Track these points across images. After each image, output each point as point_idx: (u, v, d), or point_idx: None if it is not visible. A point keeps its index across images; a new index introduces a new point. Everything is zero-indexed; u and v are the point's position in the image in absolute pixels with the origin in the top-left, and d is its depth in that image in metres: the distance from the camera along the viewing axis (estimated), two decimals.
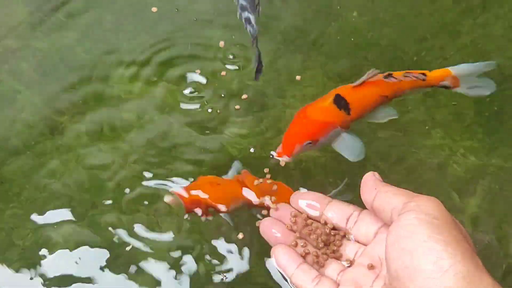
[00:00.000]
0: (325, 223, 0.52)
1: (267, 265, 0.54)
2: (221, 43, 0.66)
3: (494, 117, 0.63)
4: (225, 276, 0.55)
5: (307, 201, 0.53)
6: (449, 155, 0.61)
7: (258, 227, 0.52)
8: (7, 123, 0.63)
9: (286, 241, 0.51)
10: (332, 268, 0.50)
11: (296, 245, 0.51)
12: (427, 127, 0.63)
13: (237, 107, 0.63)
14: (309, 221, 0.52)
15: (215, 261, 0.56)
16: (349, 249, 0.51)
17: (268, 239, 0.52)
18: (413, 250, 0.41)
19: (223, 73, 0.65)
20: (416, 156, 0.61)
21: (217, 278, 0.55)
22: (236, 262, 0.56)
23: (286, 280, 0.51)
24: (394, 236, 0.43)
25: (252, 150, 0.61)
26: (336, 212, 0.52)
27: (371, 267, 0.48)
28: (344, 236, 0.52)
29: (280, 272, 0.51)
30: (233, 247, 0.56)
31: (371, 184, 0.48)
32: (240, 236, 0.56)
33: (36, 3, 0.69)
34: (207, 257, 0.56)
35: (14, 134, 0.62)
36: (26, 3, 0.70)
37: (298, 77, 0.65)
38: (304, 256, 0.50)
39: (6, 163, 0.61)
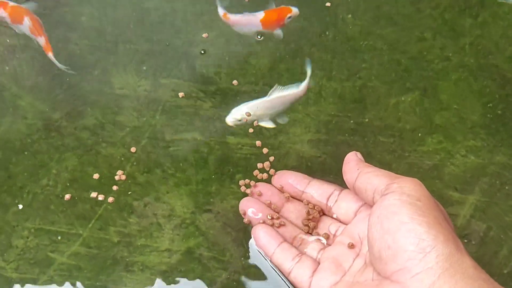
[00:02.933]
0: (307, 202, 0.52)
1: (248, 246, 0.55)
2: None
3: (496, 119, 0.63)
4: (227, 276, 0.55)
5: (288, 180, 0.54)
6: (448, 158, 0.61)
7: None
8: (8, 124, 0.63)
9: (265, 219, 0.52)
10: (312, 247, 0.50)
11: (272, 221, 0.51)
12: (426, 130, 0.63)
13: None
14: (290, 199, 0.54)
15: (214, 261, 0.56)
16: (330, 228, 0.51)
17: (248, 218, 0.53)
18: (395, 231, 0.41)
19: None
20: (412, 159, 0.61)
21: (216, 278, 0.55)
22: (236, 261, 0.56)
23: (267, 260, 0.51)
24: (377, 217, 0.43)
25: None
26: (316, 190, 0.52)
27: (351, 246, 0.48)
28: (322, 213, 0.52)
29: (260, 253, 0.51)
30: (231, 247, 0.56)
31: (353, 164, 0.48)
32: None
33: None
34: (206, 257, 0.56)
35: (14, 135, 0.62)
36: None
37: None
38: (283, 235, 0.51)
39: (12, 161, 0.61)
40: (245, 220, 0.53)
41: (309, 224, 0.52)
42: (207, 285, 0.54)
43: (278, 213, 0.53)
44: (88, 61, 0.66)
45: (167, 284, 0.55)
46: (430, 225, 0.40)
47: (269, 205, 0.54)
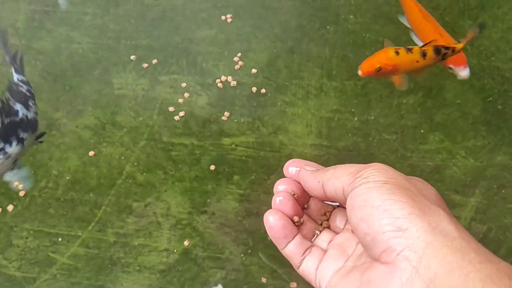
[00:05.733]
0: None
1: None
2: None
3: (497, 115, 0.63)
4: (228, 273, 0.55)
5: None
6: (449, 158, 0.61)
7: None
8: None
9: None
10: (323, 239, 0.50)
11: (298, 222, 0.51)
12: (426, 129, 0.62)
13: None
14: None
15: (213, 261, 0.56)
16: (339, 218, 0.51)
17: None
18: (369, 216, 0.40)
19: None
20: (413, 160, 0.61)
21: (216, 277, 0.55)
22: (236, 261, 0.56)
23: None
24: (350, 210, 0.42)
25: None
26: None
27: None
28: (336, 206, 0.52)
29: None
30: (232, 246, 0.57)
31: (310, 182, 0.48)
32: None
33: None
34: (206, 255, 0.56)
35: None
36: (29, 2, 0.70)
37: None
38: (298, 226, 0.51)
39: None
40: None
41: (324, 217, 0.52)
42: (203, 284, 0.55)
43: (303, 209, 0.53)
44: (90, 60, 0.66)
45: (165, 284, 0.55)
46: (403, 203, 0.39)
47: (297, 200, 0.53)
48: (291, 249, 0.49)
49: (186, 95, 0.65)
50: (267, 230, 0.50)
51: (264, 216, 0.51)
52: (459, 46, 0.58)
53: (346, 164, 0.45)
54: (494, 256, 0.37)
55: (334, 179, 0.45)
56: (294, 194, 0.52)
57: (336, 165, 0.46)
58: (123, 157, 0.61)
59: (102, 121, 0.63)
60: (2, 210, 0.59)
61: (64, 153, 0.61)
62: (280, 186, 0.53)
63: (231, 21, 0.69)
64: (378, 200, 0.40)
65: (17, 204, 0.59)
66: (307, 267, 0.48)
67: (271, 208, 0.54)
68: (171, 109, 0.64)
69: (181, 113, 0.64)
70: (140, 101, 0.64)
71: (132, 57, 0.67)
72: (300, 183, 0.52)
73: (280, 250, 0.50)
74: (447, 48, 0.58)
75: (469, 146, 0.61)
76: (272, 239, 0.50)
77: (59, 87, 0.65)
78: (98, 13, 0.70)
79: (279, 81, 0.65)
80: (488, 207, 0.58)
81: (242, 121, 0.63)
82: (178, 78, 0.66)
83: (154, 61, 0.67)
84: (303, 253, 0.49)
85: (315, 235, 0.51)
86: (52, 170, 0.61)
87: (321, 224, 0.52)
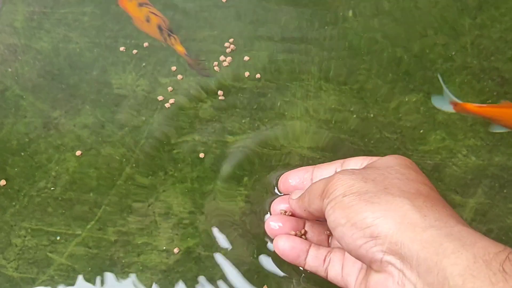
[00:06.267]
0: None
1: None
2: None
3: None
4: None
5: (290, 182, 0.53)
6: (450, 157, 0.61)
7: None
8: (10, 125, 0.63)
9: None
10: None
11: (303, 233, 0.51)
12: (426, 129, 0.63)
13: None
14: None
15: (211, 260, 0.56)
16: None
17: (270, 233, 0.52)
18: (342, 236, 0.40)
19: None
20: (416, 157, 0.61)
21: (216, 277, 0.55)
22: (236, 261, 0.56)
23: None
24: (332, 233, 0.43)
25: None
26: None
27: None
28: None
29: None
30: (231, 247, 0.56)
31: (298, 209, 0.48)
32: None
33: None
34: (205, 256, 0.56)
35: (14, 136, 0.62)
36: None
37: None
38: (306, 238, 0.50)
39: (8, 163, 0.61)
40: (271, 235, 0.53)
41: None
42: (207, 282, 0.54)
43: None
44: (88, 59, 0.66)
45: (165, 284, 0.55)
46: (363, 211, 0.39)
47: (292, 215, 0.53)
48: (311, 264, 0.49)
49: (187, 95, 0.64)
50: (281, 256, 0.50)
51: (273, 245, 0.51)
52: None
53: (315, 182, 0.45)
54: (471, 235, 0.36)
55: (312, 205, 0.45)
56: (286, 212, 0.52)
57: (311, 185, 0.46)
58: (124, 159, 0.61)
59: (101, 119, 0.63)
60: (1, 209, 0.58)
61: (62, 154, 0.61)
62: (275, 207, 0.53)
63: (231, 21, 0.69)
64: (343, 218, 0.40)
65: (16, 204, 0.58)
66: (333, 275, 0.48)
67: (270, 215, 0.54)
68: (171, 107, 0.64)
69: (181, 112, 0.64)
70: (140, 101, 0.64)
71: (122, 48, 0.67)
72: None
73: (302, 267, 0.50)
74: None
75: (470, 144, 0.61)
76: (289, 261, 0.50)
77: (57, 86, 0.65)
78: (97, 12, 0.70)
79: (280, 82, 0.65)
80: (489, 207, 0.58)
81: (243, 121, 0.63)
82: (179, 78, 0.65)
83: (145, 44, 0.67)
84: (324, 262, 0.49)
85: (329, 237, 0.51)
86: (51, 171, 0.60)
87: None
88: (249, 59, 0.66)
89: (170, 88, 0.64)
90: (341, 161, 0.51)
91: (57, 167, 0.60)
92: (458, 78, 0.65)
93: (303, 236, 0.51)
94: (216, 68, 0.66)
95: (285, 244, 0.50)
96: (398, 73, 0.65)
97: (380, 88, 0.64)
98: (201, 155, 0.60)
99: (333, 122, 0.62)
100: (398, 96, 0.64)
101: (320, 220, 0.50)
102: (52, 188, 0.59)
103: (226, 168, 0.60)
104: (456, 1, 0.70)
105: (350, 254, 0.41)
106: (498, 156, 0.60)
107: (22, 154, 0.61)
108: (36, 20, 0.69)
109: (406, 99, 0.64)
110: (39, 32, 0.68)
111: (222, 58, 0.66)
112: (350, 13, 0.69)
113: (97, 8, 0.70)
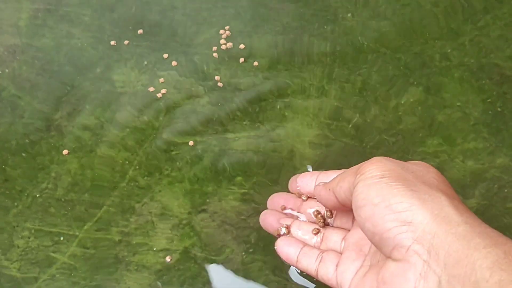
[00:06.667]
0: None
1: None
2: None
3: (497, 117, 0.63)
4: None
5: (297, 184, 0.54)
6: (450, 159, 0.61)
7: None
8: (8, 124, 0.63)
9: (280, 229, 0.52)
10: (334, 240, 0.50)
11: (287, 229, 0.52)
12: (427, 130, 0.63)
13: None
14: (307, 199, 0.54)
15: (212, 260, 0.56)
16: (346, 214, 0.51)
17: (267, 228, 0.53)
18: (371, 215, 0.39)
19: None
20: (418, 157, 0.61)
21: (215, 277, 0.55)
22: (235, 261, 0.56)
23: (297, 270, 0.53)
24: (354, 210, 0.42)
25: None
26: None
27: None
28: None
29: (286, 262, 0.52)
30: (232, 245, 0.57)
31: (323, 193, 0.48)
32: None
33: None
34: (205, 255, 0.56)
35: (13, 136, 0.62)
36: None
37: None
38: (305, 239, 0.51)
39: (8, 164, 0.61)
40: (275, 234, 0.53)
41: (321, 221, 0.52)
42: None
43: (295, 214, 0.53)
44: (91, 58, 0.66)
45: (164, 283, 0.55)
46: (402, 196, 0.39)
47: (283, 208, 0.54)
48: (303, 263, 0.49)
49: (187, 95, 0.64)
50: (280, 256, 0.51)
51: (276, 244, 0.51)
52: None
53: (352, 167, 0.45)
54: (501, 236, 0.37)
55: (341, 182, 0.45)
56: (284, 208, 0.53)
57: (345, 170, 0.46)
58: (126, 161, 0.61)
59: (102, 120, 0.63)
60: (4, 209, 0.59)
61: (63, 155, 0.61)
62: (275, 200, 0.53)
63: (232, 21, 0.69)
64: (377, 197, 0.39)
65: (18, 204, 0.59)
66: (325, 273, 0.48)
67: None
68: (171, 107, 0.64)
69: (181, 111, 0.64)
70: (141, 100, 0.64)
71: (112, 42, 0.67)
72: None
73: (295, 266, 0.50)
74: None
75: (470, 148, 0.62)
76: (285, 261, 0.51)
77: (57, 85, 0.65)
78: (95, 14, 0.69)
79: (279, 80, 0.65)
80: (487, 207, 0.58)
81: (244, 123, 0.63)
82: (179, 78, 0.65)
83: (140, 31, 0.67)
84: (315, 261, 0.49)
85: (319, 233, 0.51)
86: (51, 172, 0.60)
87: (316, 215, 0.52)
88: (249, 59, 0.66)
89: (161, 80, 0.65)
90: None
91: (58, 168, 0.60)
92: (456, 74, 0.65)
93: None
94: (215, 54, 0.66)
95: (279, 243, 0.50)
96: (399, 70, 0.65)
97: (381, 87, 0.65)
98: (191, 142, 0.61)
99: (334, 122, 0.63)
100: (398, 96, 0.64)
101: (335, 208, 0.51)
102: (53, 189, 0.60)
103: (225, 168, 0.60)
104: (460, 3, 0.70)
105: (372, 237, 0.40)
106: (501, 158, 0.61)
107: (24, 155, 0.61)
108: (41, 17, 0.69)
109: (405, 99, 0.64)
110: (42, 29, 0.68)
111: (222, 42, 0.67)
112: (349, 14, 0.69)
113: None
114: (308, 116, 0.63)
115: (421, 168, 0.43)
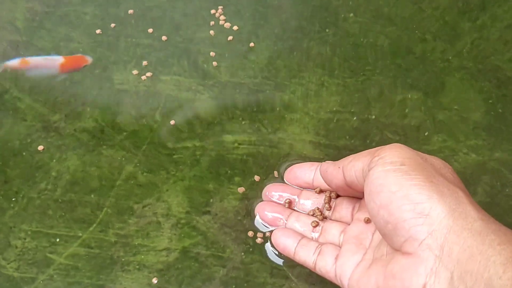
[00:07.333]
0: (319, 191, 0.52)
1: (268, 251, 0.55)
2: None
3: (498, 118, 0.63)
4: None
5: (296, 173, 0.54)
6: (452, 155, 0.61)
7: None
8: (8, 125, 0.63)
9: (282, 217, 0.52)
10: (333, 233, 0.50)
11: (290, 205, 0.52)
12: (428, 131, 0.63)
13: None
14: (303, 191, 0.54)
15: (212, 260, 0.56)
16: (345, 207, 0.51)
17: (264, 220, 0.53)
18: (388, 203, 0.39)
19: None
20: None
21: (216, 276, 0.55)
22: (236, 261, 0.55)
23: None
24: (368, 195, 0.41)
25: None
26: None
27: (367, 220, 0.47)
28: (336, 196, 0.52)
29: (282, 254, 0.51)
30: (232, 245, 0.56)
31: (331, 169, 0.47)
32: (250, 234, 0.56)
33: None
34: (205, 255, 0.56)
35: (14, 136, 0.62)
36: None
37: None
38: (302, 231, 0.51)
39: (8, 165, 0.61)
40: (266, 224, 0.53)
41: (319, 214, 0.52)
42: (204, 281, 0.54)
43: (291, 204, 0.53)
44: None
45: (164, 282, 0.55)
46: (421, 186, 0.38)
47: (279, 199, 0.54)
48: (301, 255, 0.49)
49: (188, 95, 0.64)
50: (276, 247, 0.50)
51: (272, 235, 0.51)
52: None
53: (369, 149, 0.44)
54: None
55: (355, 161, 0.44)
56: (286, 200, 0.53)
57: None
58: (124, 159, 0.61)
59: (101, 123, 0.63)
60: (1, 210, 0.58)
61: (64, 153, 0.61)
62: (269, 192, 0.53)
63: (232, 21, 0.69)
64: (396, 185, 0.39)
65: (14, 206, 0.58)
66: (323, 265, 0.47)
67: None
68: (172, 109, 0.64)
69: (181, 111, 0.64)
70: (142, 101, 0.64)
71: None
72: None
73: (292, 259, 0.50)
74: None
75: (471, 144, 0.61)
76: (282, 253, 0.50)
77: (57, 85, 0.65)
78: (97, 13, 0.70)
79: (279, 80, 0.65)
80: (490, 205, 0.58)
81: (244, 123, 0.63)
82: (179, 78, 0.65)
83: (131, 11, 0.67)
84: (314, 254, 0.48)
85: (317, 226, 0.51)
86: (51, 171, 0.60)
87: (313, 215, 0.52)
88: (249, 57, 0.66)
89: (161, 79, 0.64)
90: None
91: (58, 168, 0.60)
92: (457, 75, 0.65)
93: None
94: (214, 63, 0.66)
95: (276, 234, 0.50)
96: (399, 70, 0.65)
97: (381, 86, 0.65)
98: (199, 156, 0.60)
99: (334, 121, 0.62)
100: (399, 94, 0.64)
101: (339, 192, 0.50)
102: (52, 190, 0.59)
103: (224, 167, 0.60)
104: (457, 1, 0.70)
105: (384, 225, 0.39)
106: (498, 152, 0.60)
107: (24, 154, 0.61)
108: (37, 20, 0.69)
109: (405, 100, 0.64)
110: (40, 31, 0.69)
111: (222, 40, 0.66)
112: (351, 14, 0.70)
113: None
114: (308, 115, 0.63)
115: (439, 162, 0.43)
